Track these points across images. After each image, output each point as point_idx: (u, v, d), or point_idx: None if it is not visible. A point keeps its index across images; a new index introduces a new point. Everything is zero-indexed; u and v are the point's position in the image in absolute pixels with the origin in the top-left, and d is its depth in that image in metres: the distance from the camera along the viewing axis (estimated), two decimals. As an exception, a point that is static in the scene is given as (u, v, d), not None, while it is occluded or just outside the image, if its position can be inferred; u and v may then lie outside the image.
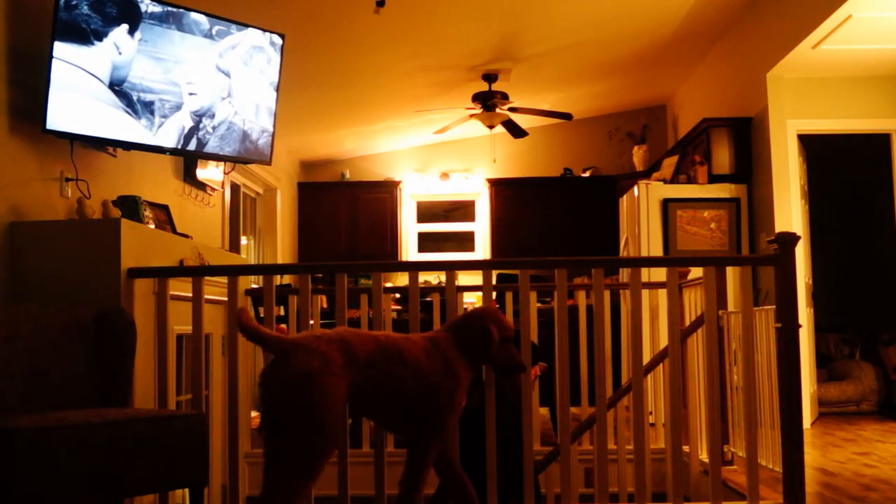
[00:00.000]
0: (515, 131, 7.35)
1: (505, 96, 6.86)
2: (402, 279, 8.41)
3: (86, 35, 3.37)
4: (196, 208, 5.31)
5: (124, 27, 3.52)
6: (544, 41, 6.23)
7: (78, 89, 3.36)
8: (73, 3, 3.32)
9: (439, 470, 2.75)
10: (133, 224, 3.18)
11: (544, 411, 5.46)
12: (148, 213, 3.90)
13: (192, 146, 3.91)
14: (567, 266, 3.06)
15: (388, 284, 8.17)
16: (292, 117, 6.84)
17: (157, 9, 3.65)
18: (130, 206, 3.70)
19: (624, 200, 6.77)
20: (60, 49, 3.28)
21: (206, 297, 3.20)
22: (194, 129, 3.90)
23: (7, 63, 3.20)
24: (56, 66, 3.27)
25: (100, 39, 3.42)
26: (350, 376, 2.43)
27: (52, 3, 3.26)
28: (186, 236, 3.96)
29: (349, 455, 3.04)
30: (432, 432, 2.61)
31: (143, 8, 3.59)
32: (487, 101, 6.85)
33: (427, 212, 9.01)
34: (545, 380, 4.63)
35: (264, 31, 4.19)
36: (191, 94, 3.85)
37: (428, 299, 6.09)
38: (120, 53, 3.51)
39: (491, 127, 7.18)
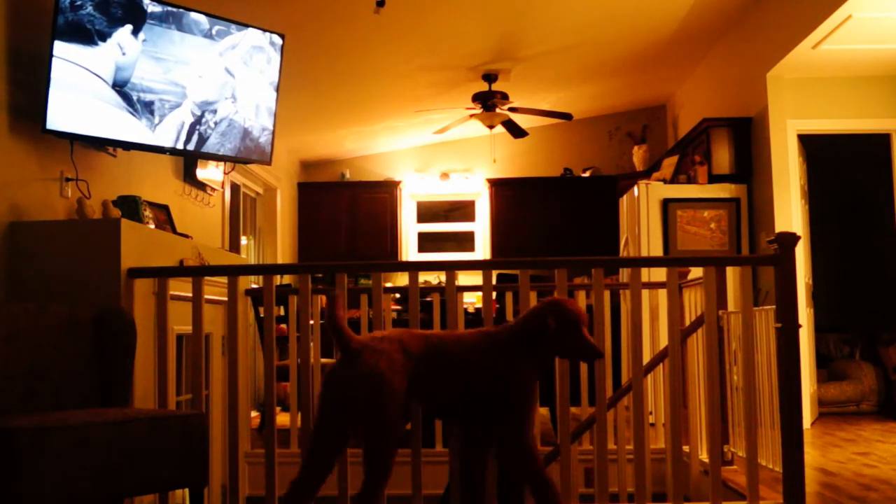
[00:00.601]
0: (515, 131, 7.35)
1: (505, 96, 6.86)
2: (402, 279, 8.41)
3: (90, 35, 3.37)
4: (196, 208, 5.31)
5: (128, 27, 3.52)
6: (544, 41, 6.23)
7: (79, 89, 3.36)
8: (78, 3, 3.32)
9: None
10: (133, 224, 3.18)
11: (544, 411, 5.46)
12: (148, 213, 3.90)
13: (191, 146, 3.91)
14: (567, 266, 3.06)
15: (388, 284, 8.17)
16: (292, 117, 6.84)
17: (158, 9, 3.65)
18: (130, 206, 3.70)
19: (624, 200, 6.76)
20: (64, 49, 3.28)
21: (206, 297, 3.20)
22: (194, 130, 3.90)
23: (7, 63, 3.20)
24: (58, 65, 3.27)
25: (104, 40, 3.43)
26: (408, 376, 2.52)
27: (53, 3, 3.26)
28: (186, 236, 3.96)
29: (349, 455, 3.04)
30: (503, 426, 2.58)
31: (145, 9, 3.59)
32: (487, 101, 6.85)
33: (427, 212, 9.01)
34: (545, 380, 4.63)
35: (264, 31, 4.19)
36: (191, 93, 3.85)
37: (428, 299, 6.09)
38: (124, 54, 3.51)
39: (491, 127, 7.18)
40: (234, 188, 6.82)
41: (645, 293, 4.18)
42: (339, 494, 3.02)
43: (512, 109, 6.95)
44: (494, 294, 3.55)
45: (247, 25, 4.08)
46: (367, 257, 8.48)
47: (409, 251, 8.88)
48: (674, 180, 6.47)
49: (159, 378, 3.09)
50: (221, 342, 3.96)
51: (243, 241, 7.25)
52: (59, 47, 3.27)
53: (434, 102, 7.24)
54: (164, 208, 4.24)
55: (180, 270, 3.37)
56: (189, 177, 5.12)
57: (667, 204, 6.13)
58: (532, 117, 7.55)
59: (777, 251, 2.97)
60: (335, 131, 8.04)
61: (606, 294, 3.16)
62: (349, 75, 6.36)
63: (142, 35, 3.58)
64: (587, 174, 8.63)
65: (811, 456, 4.19)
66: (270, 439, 3.02)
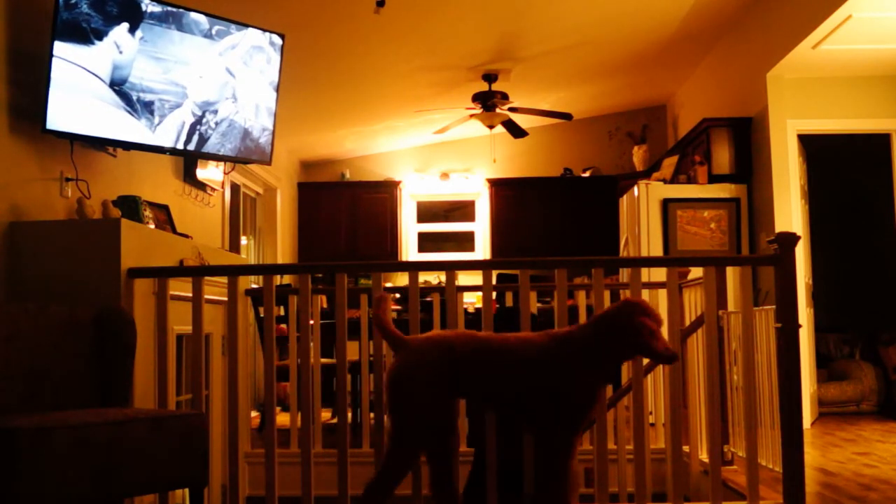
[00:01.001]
0: (515, 131, 7.35)
1: (505, 96, 6.86)
2: (402, 279, 8.41)
3: (86, 34, 3.37)
4: (196, 208, 5.31)
5: (125, 26, 3.52)
6: (544, 41, 6.23)
7: (78, 89, 3.36)
8: (73, 1, 3.32)
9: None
10: (133, 224, 3.18)
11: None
12: (148, 213, 3.90)
13: (191, 146, 3.91)
14: (567, 266, 3.06)
15: (388, 284, 8.17)
16: (292, 117, 6.84)
17: (157, 9, 3.65)
18: (130, 206, 3.70)
19: (624, 200, 6.77)
20: (61, 48, 3.28)
21: (206, 297, 3.20)
22: (194, 130, 3.90)
23: (7, 63, 3.20)
24: (57, 65, 3.27)
25: (100, 39, 3.42)
26: (451, 372, 2.56)
27: (52, 3, 3.26)
28: (186, 236, 3.96)
29: (349, 455, 3.05)
30: (554, 427, 2.60)
31: (143, 8, 3.59)
32: (487, 101, 6.85)
33: (427, 212, 9.01)
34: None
35: (264, 31, 4.19)
36: (191, 93, 3.85)
37: (428, 299, 6.09)
38: (121, 53, 3.51)
39: (491, 127, 7.18)
40: (234, 188, 6.82)
41: (645, 293, 4.18)
42: (339, 494, 3.02)
43: (512, 109, 6.95)
44: (494, 294, 3.55)
45: (247, 25, 4.08)
46: (367, 257, 8.48)
47: (409, 251, 8.88)
48: (674, 180, 6.47)
49: (159, 378, 3.09)
50: (221, 342, 3.96)
51: (243, 241, 7.25)
52: (59, 47, 3.27)
53: (434, 102, 7.24)
54: (164, 208, 4.24)
55: (180, 270, 3.37)
56: (189, 177, 5.12)
57: (667, 204, 6.13)
58: (532, 117, 7.56)
59: (777, 251, 2.97)
60: (335, 131, 8.04)
61: (606, 294, 3.16)
62: (349, 75, 6.36)
63: (139, 33, 3.58)
64: (587, 174, 8.63)
65: (811, 456, 4.19)
66: (270, 439, 3.02)
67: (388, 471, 2.61)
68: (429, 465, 2.70)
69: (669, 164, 6.80)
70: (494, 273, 3.25)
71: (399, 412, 2.59)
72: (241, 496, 3.24)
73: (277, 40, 4.27)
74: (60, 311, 2.79)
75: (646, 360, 3.44)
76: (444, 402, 2.59)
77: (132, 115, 3.58)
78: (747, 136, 6.09)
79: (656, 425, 4.23)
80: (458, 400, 2.64)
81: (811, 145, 6.31)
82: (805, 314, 5.68)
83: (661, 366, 4.02)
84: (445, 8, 5.33)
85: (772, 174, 5.62)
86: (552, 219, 8.50)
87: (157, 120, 3.71)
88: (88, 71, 3.39)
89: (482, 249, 8.86)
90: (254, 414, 5.25)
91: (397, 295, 7.31)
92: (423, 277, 8.19)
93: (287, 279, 7.70)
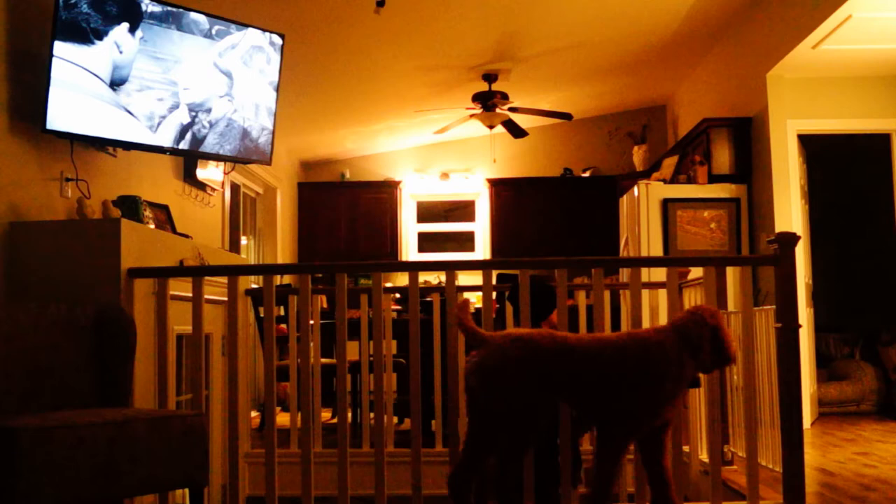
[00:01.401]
0: (515, 131, 7.35)
1: (505, 96, 6.86)
2: (402, 279, 8.41)
3: (86, 34, 3.37)
4: (196, 208, 5.31)
5: (125, 26, 3.52)
6: (544, 41, 6.23)
7: (78, 88, 3.36)
8: (73, 1, 3.32)
9: (646, 461, 2.79)
10: (133, 224, 3.18)
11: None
12: (148, 213, 3.90)
13: (191, 146, 3.91)
14: (567, 266, 3.06)
15: (388, 284, 8.17)
16: (292, 117, 6.84)
17: (157, 9, 3.65)
18: (130, 206, 3.70)
19: (624, 200, 6.76)
20: (61, 48, 3.28)
21: (206, 297, 3.20)
22: (193, 129, 3.90)
23: (7, 63, 3.20)
24: (57, 65, 3.27)
25: (100, 38, 3.42)
26: (532, 374, 2.60)
27: (52, 3, 3.26)
28: (186, 236, 3.96)
29: (349, 455, 3.05)
30: (621, 427, 2.65)
31: (143, 7, 3.59)
32: (487, 101, 6.85)
33: (427, 212, 9.01)
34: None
35: (264, 31, 4.19)
36: (191, 93, 3.85)
37: (428, 299, 6.09)
38: (121, 52, 3.51)
39: (491, 127, 7.18)
40: (234, 188, 6.82)
41: (645, 293, 4.18)
42: (339, 494, 3.02)
43: (512, 109, 6.95)
44: (494, 294, 3.55)
45: (247, 25, 4.08)
46: (367, 257, 8.48)
47: (409, 251, 8.88)
48: (674, 180, 6.47)
49: (159, 378, 3.09)
50: (221, 342, 3.96)
51: (243, 241, 7.25)
52: (59, 47, 3.27)
53: (434, 102, 7.24)
54: (164, 208, 4.24)
55: (180, 270, 3.36)
56: (189, 177, 5.12)
57: (667, 204, 6.13)
58: (532, 117, 7.56)
59: (777, 251, 2.97)
60: (335, 131, 8.03)
61: (606, 294, 3.16)
62: (349, 75, 6.36)
63: (139, 33, 3.58)
64: (587, 174, 8.63)
65: (811, 456, 4.19)
66: (270, 439, 3.02)
67: (470, 464, 2.66)
68: (499, 462, 2.72)
69: (669, 164, 6.80)
70: (494, 273, 3.25)
71: (481, 408, 2.64)
72: (241, 496, 3.24)
73: (277, 40, 4.27)
74: (60, 311, 2.79)
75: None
76: (526, 399, 2.63)
77: (132, 115, 3.58)
78: (747, 136, 6.09)
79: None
80: (540, 397, 2.68)
81: (811, 145, 6.31)
82: (805, 314, 5.67)
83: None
84: (445, 8, 5.33)
85: (772, 174, 5.62)
86: (552, 219, 8.50)
87: (157, 120, 3.71)
88: (88, 71, 3.39)
89: (482, 249, 8.85)
90: (254, 414, 5.25)
91: (398, 295, 7.31)
92: (423, 277, 8.19)
93: (287, 279, 7.70)
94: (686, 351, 2.63)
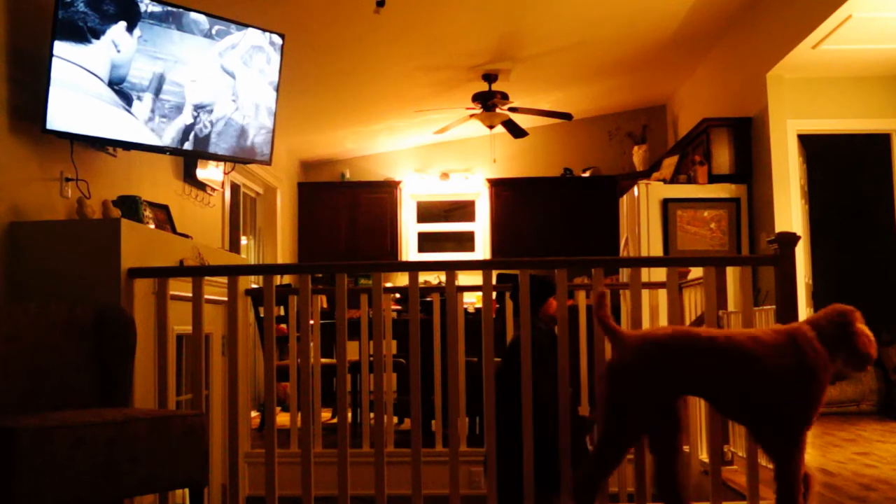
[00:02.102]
0: (515, 131, 7.35)
1: (505, 96, 6.86)
2: (402, 279, 8.41)
3: (83, 33, 3.37)
4: (196, 208, 5.31)
5: (122, 24, 3.52)
6: (544, 41, 6.23)
7: (78, 88, 3.36)
8: (80, 4, 3.32)
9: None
10: (133, 224, 3.18)
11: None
12: (148, 213, 3.90)
13: (191, 146, 3.91)
14: (567, 266, 3.06)
15: (388, 284, 8.16)
16: (292, 117, 6.84)
17: (157, 8, 3.65)
18: (130, 206, 3.70)
19: (624, 200, 6.76)
20: (61, 48, 3.28)
21: (206, 297, 3.20)
22: (193, 129, 3.90)
23: (7, 63, 3.20)
24: (57, 64, 3.27)
25: (97, 37, 3.42)
26: (675, 372, 2.59)
27: (52, 2, 3.26)
28: (186, 236, 3.96)
29: (349, 455, 3.05)
30: (781, 425, 2.62)
31: (142, 7, 3.59)
32: (487, 101, 6.85)
33: (427, 212, 9.01)
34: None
35: (264, 30, 4.19)
36: (190, 93, 3.85)
37: (428, 299, 6.09)
38: (119, 51, 3.51)
39: (491, 127, 7.17)
40: (234, 188, 6.82)
41: (645, 293, 4.18)
42: (339, 494, 3.02)
43: (512, 109, 6.95)
44: (494, 294, 3.55)
45: (247, 25, 4.08)
46: (367, 257, 8.48)
47: (409, 251, 8.88)
48: (674, 180, 6.47)
49: (159, 378, 3.09)
50: (221, 342, 3.96)
51: (243, 241, 7.25)
52: (59, 47, 3.27)
53: (434, 102, 7.24)
54: (164, 208, 4.24)
55: (180, 270, 3.37)
56: (189, 177, 5.12)
57: (667, 204, 6.13)
58: (532, 117, 7.55)
59: (777, 251, 2.97)
60: (335, 131, 8.03)
61: (607, 294, 3.16)
62: (349, 75, 6.35)
63: (137, 32, 3.58)
64: (587, 174, 8.63)
65: (811, 456, 4.19)
66: (270, 439, 3.02)
67: (602, 464, 2.67)
68: (654, 462, 2.74)
69: (669, 164, 6.80)
70: (494, 273, 3.25)
71: (619, 408, 2.64)
72: (241, 496, 3.24)
73: (277, 40, 4.27)
74: (60, 311, 2.79)
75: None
76: (666, 398, 2.64)
77: (132, 115, 3.58)
78: (747, 136, 6.08)
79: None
80: (681, 396, 2.71)
81: (811, 145, 6.31)
82: (805, 314, 5.67)
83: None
84: (445, 8, 5.33)
85: (772, 174, 5.62)
86: (552, 219, 8.50)
87: (157, 120, 3.71)
88: (88, 70, 3.39)
89: (482, 249, 8.85)
90: (254, 414, 5.25)
91: (398, 295, 7.31)
92: (423, 277, 8.19)
93: (287, 279, 7.69)
94: (830, 349, 2.61)
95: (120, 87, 3.53)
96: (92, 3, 3.39)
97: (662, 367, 2.60)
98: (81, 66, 3.36)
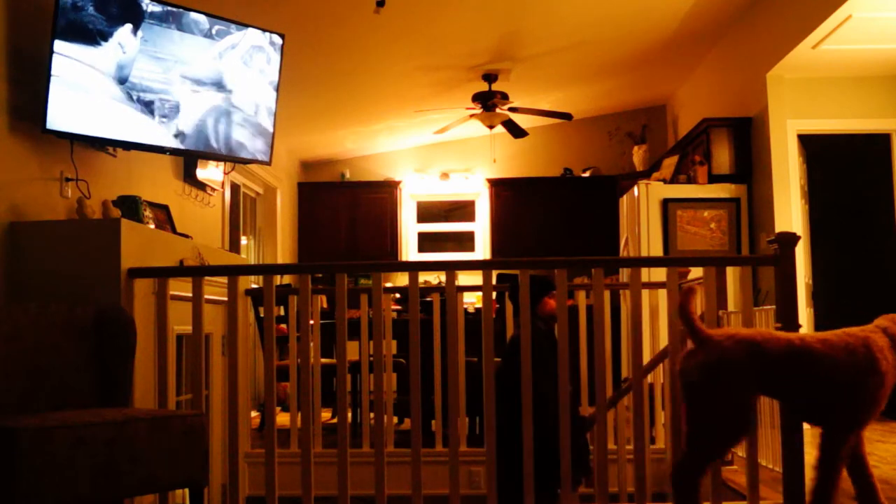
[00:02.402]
0: (515, 131, 7.35)
1: (505, 96, 6.86)
2: (402, 279, 8.41)
3: (88, 34, 3.37)
4: (196, 208, 5.31)
5: (128, 27, 3.52)
6: (544, 41, 6.23)
7: (78, 88, 3.36)
8: (80, 3, 3.32)
9: (851, 470, 2.84)
10: (133, 224, 3.18)
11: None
12: (148, 213, 3.90)
13: (191, 146, 3.91)
14: (567, 266, 3.06)
15: (388, 284, 8.16)
16: (292, 117, 6.84)
17: (158, 8, 3.65)
18: (130, 206, 3.70)
19: (624, 200, 6.76)
20: (61, 47, 3.27)
21: (206, 297, 3.20)
22: (192, 128, 3.90)
23: (7, 63, 3.20)
24: (59, 61, 3.26)
25: (104, 39, 3.42)
26: (756, 372, 2.64)
27: (53, 2, 3.26)
28: (186, 236, 3.96)
29: (349, 455, 3.05)
30: (847, 426, 2.69)
31: (144, 7, 3.59)
32: (487, 101, 6.84)
33: (427, 212, 9.01)
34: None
35: (264, 30, 4.19)
36: (190, 92, 3.85)
37: (428, 299, 6.09)
38: (124, 52, 3.52)
39: (491, 127, 7.17)
40: (234, 188, 6.82)
41: (645, 293, 4.18)
42: (339, 494, 3.02)
43: (512, 109, 6.95)
44: (494, 294, 3.55)
45: (246, 25, 4.08)
46: (367, 257, 8.48)
47: (409, 251, 8.88)
48: (674, 180, 6.47)
49: (159, 378, 3.09)
50: (221, 342, 3.96)
51: (243, 241, 7.25)
52: (59, 46, 3.27)
53: (434, 102, 7.24)
54: (164, 208, 4.24)
55: (180, 270, 3.37)
56: (189, 177, 5.12)
57: (667, 204, 6.13)
58: (532, 117, 7.55)
59: (777, 251, 2.97)
60: (335, 131, 8.03)
61: (606, 294, 3.16)
62: (349, 75, 6.35)
63: (140, 33, 3.58)
64: (587, 174, 8.63)
65: (811, 456, 4.17)
66: (270, 439, 3.02)
67: (695, 465, 2.70)
68: (690, 453, 2.75)
69: (669, 164, 6.80)
70: (494, 273, 3.25)
71: (702, 408, 2.68)
72: (241, 496, 3.24)
73: (277, 40, 4.27)
74: (60, 311, 2.79)
75: (645, 360, 3.44)
76: (747, 400, 2.68)
77: (131, 114, 3.58)
78: (747, 136, 6.08)
79: (656, 425, 4.22)
80: (756, 397, 2.76)
81: (811, 145, 6.31)
82: (805, 314, 5.68)
83: (661, 366, 4.02)
84: (445, 8, 5.33)
85: (772, 174, 5.62)
86: (552, 219, 8.50)
87: (157, 120, 3.71)
88: (90, 68, 3.39)
89: (482, 249, 8.85)
90: (254, 414, 5.25)
91: (398, 295, 7.31)
92: (423, 277, 8.18)
93: (287, 279, 7.69)
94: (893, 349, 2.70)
95: (122, 87, 3.53)
96: (98, 5, 3.39)
97: (751, 365, 2.65)
98: (83, 63, 3.36)
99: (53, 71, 3.25)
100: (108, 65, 3.48)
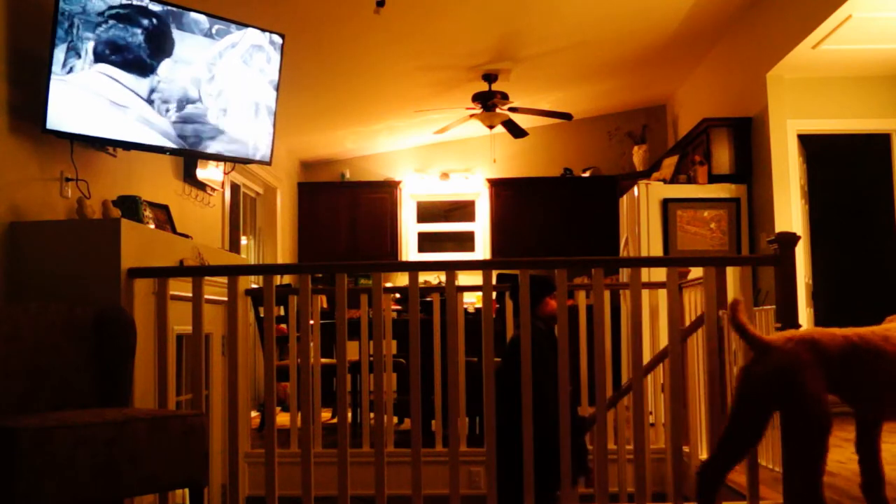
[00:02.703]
0: (515, 131, 7.35)
1: (505, 96, 6.86)
2: (402, 279, 8.41)
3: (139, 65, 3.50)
4: (196, 208, 5.31)
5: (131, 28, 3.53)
6: (544, 41, 6.23)
7: (78, 88, 3.36)
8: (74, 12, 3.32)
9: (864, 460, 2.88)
10: (133, 224, 3.18)
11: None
12: (148, 213, 3.90)
13: (191, 146, 3.91)
14: (567, 266, 3.06)
15: (388, 284, 8.16)
16: (292, 117, 6.84)
17: (158, 8, 3.65)
18: (130, 206, 3.70)
19: (624, 200, 6.76)
20: (62, 47, 3.28)
21: (206, 297, 3.20)
22: (192, 128, 3.90)
23: (7, 63, 3.20)
24: (57, 61, 3.26)
25: (152, 71, 3.58)
26: (823, 372, 2.67)
27: (53, 2, 3.26)
28: (186, 236, 3.96)
29: (349, 455, 3.05)
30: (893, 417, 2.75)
31: (145, 8, 3.59)
32: (487, 101, 6.84)
33: (427, 212, 9.01)
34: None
35: (264, 30, 4.19)
36: (190, 92, 3.85)
37: (428, 299, 6.09)
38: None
39: (491, 127, 7.17)
40: (234, 188, 6.82)
41: (645, 293, 4.18)
42: (339, 494, 3.02)
43: (512, 109, 6.95)
44: (494, 294, 3.55)
45: (246, 25, 4.08)
46: (367, 257, 8.48)
47: (409, 251, 8.87)
48: (674, 180, 6.47)
49: (159, 378, 3.09)
50: (221, 342, 3.96)
51: (243, 241, 7.25)
52: (61, 46, 3.27)
53: (434, 102, 7.24)
54: (164, 208, 4.24)
55: (180, 270, 3.37)
56: (189, 177, 5.12)
57: (667, 204, 6.13)
58: (532, 117, 7.55)
59: (777, 251, 2.97)
60: (335, 131, 8.03)
61: (606, 294, 3.16)
62: (349, 75, 6.35)
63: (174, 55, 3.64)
64: (587, 174, 8.63)
65: (811, 456, 4.18)
66: (270, 439, 3.02)
67: (724, 465, 2.74)
68: (793, 466, 2.81)
69: (669, 164, 6.80)
70: (494, 273, 3.25)
71: (789, 404, 2.70)
72: (241, 496, 3.24)
73: (277, 40, 4.27)
74: (60, 311, 2.79)
75: (646, 360, 3.44)
76: (825, 395, 2.70)
77: (130, 115, 3.58)
78: (747, 136, 6.08)
79: (656, 425, 4.22)
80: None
81: (811, 145, 6.31)
82: (805, 314, 5.67)
83: (661, 366, 4.02)
84: (445, 8, 5.33)
85: (772, 174, 5.62)
86: (552, 219, 8.50)
87: (157, 119, 3.71)
88: (105, 74, 3.39)
89: (482, 249, 8.85)
90: (254, 414, 5.25)
91: (398, 295, 7.31)
92: (423, 277, 8.18)
93: (287, 279, 7.69)
94: None
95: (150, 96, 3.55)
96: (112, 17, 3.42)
97: (818, 363, 2.68)
98: (97, 70, 3.37)
99: (54, 70, 3.25)
100: (143, 87, 3.53)
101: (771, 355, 2.66)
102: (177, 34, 3.76)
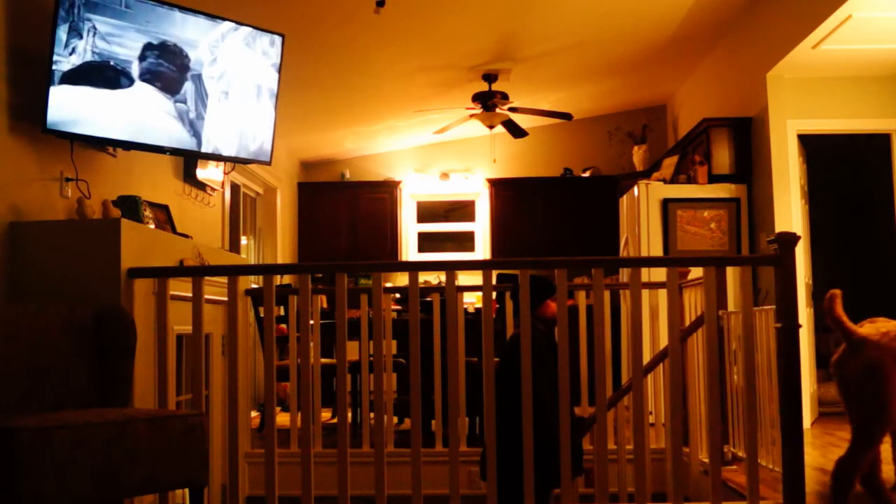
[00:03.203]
0: (515, 131, 7.35)
1: (505, 96, 6.86)
2: (402, 279, 8.41)
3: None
4: (196, 208, 5.31)
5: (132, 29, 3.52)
6: (544, 41, 6.23)
7: (78, 86, 3.36)
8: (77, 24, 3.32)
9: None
10: (133, 224, 3.18)
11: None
12: (148, 213, 3.90)
13: (191, 146, 3.90)
14: (567, 266, 3.06)
15: (388, 284, 8.16)
16: (292, 117, 6.84)
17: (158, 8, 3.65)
18: (130, 206, 3.70)
19: (624, 200, 6.76)
20: (62, 48, 3.28)
21: (206, 297, 3.20)
22: (192, 128, 3.90)
23: (7, 63, 3.20)
24: (57, 61, 3.26)
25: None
26: None
27: (52, 2, 3.26)
28: (186, 236, 3.96)
29: (349, 455, 3.05)
30: None
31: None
32: (487, 101, 6.84)
33: (427, 212, 9.01)
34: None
35: (264, 31, 4.19)
36: (189, 91, 3.85)
37: (428, 299, 6.09)
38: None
39: (491, 127, 7.17)
40: (234, 188, 6.82)
41: (645, 293, 4.18)
42: (339, 494, 3.02)
43: (512, 109, 6.95)
44: (494, 294, 3.55)
45: (246, 25, 4.08)
46: (367, 257, 8.48)
47: (409, 251, 8.88)
48: (674, 180, 6.47)
49: (159, 378, 3.09)
50: (221, 342, 3.96)
51: (243, 241, 7.25)
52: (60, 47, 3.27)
53: (434, 102, 7.24)
54: (164, 208, 4.24)
55: (180, 270, 3.37)
56: (189, 177, 5.12)
57: (667, 204, 6.13)
58: (532, 117, 7.55)
59: (777, 251, 2.97)
60: (335, 131, 8.03)
61: (606, 294, 3.16)
62: (349, 75, 6.35)
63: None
64: (587, 174, 8.63)
65: (811, 456, 4.19)
66: (270, 439, 3.02)
67: (860, 446, 2.86)
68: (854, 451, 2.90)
69: (669, 164, 6.80)
70: (494, 273, 3.25)
71: (870, 399, 2.81)
72: (241, 496, 3.24)
73: (277, 40, 4.27)
74: (60, 311, 2.79)
75: (646, 360, 3.44)
76: None
77: (131, 114, 3.58)
78: (747, 136, 6.08)
79: (656, 425, 4.22)
80: None
81: (811, 145, 6.31)
82: (805, 314, 5.67)
83: (661, 365, 4.02)
84: (445, 8, 5.33)
85: (772, 174, 5.62)
86: (552, 219, 8.50)
87: (157, 120, 3.71)
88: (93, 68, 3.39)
89: (482, 249, 8.85)
90: (254, 414, 5.25)
91: (398, 295, 7.31)
92: (423, 277, 8.18)
93: (287, 279, 7.69)
94: None
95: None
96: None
97: (892, 362, 2.78)
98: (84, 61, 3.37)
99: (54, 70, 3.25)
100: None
101: (863, 348, 2.80)
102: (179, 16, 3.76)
